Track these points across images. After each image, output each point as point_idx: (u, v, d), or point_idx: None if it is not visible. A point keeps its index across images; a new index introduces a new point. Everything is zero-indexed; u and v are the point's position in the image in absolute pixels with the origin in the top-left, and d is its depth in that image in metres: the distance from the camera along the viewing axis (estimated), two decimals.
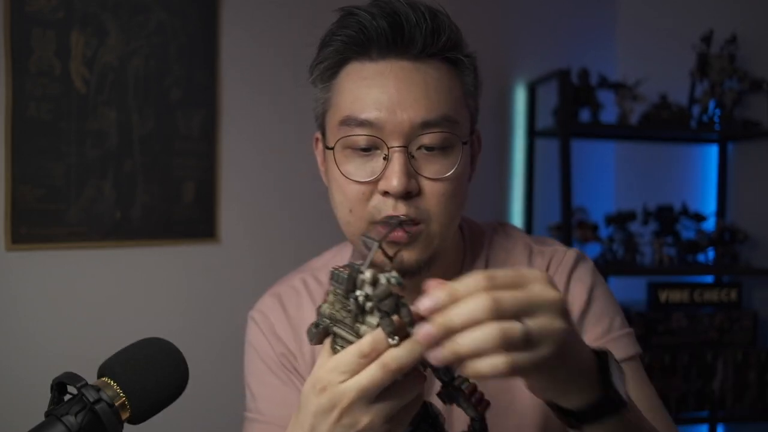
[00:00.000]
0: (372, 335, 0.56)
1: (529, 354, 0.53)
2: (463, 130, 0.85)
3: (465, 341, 0.53)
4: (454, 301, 0.53)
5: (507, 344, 0.52)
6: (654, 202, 2.65)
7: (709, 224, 2.68)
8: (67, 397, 0.63)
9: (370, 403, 0.57)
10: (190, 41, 2.11)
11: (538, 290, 0.54)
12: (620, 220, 2.57)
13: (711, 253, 2.62)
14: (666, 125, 2.53)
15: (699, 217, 2.64)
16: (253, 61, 2.21)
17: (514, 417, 0.89)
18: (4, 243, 1.90)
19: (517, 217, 2.68)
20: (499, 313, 0.51)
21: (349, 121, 0.82)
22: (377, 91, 0.81)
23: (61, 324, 1.98)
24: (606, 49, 2.81)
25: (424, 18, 0.81)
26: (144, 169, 2.07)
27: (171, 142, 2.10)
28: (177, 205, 2.12)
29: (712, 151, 2.81)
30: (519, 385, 0.89)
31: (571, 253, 0.94)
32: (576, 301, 0.90)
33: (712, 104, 2.58)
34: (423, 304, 0.54)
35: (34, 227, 1.93)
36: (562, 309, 0.54)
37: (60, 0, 1.94)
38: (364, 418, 0.58)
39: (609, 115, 2.59)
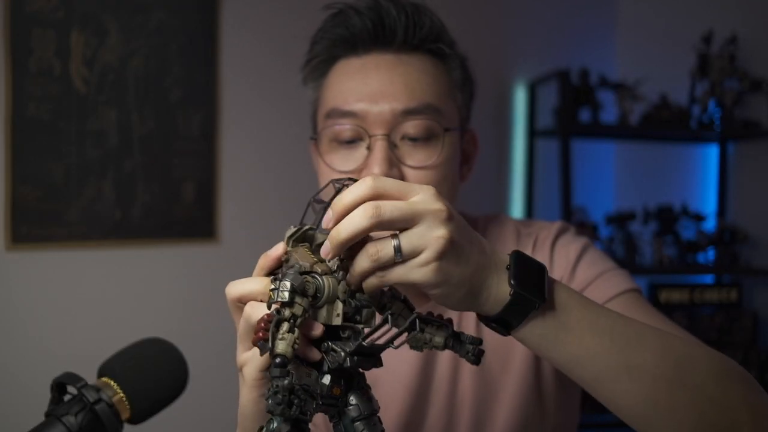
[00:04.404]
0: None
1: (409, 264, 0.53)
2: (448, 120, 0.86)
3: (352, 271, 0.54)
4: (345, 212, 0.54)
5: (381, 263, 0.53)
6: (654, 202, 2.64)
7: (709, 224, 2.67)
8: (67, 397, 0.63)
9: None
10: (190, 41, 2.11)
11: (420, 199, 0.53)
12: (620, 220, 2.57)
13: (711, 253, 2.62)
14: (666, 125, 2.53)
15: (699, 217, 2.64)
16: (253, 61, 2.21)
17: (511, 376, 0.89)
18: (4, 243, 1.90)
19: (517, 216, 2.68)
20: (380, 221, 0.51)
21: (333, 113, 0.84)
22: (360, 83, 0.83)
23: (61, 324, 1.98)
24: (606, 49, 2.80)
25: (404, 11, 0.84)
26: (144, 169, 2.07)
27: (171, 142, 2.10)
28: (177, 205, 2.12)
29: (712, 151, 2.81)
30: (516, 347, 0.89)
31: (555, 226, 0.95)
32: (562, 262, 0.90)
33: (712, 104, 2.58)
34: (324, 220, 0.55)
35: (34, 227, 1.93)
36: (444, 217, 0.53)
37: (60, 0, 1.94)
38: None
39: (609, 115, 2.59)
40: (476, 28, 2.51)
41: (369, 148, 0.82)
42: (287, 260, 0.57)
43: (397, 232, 0.53)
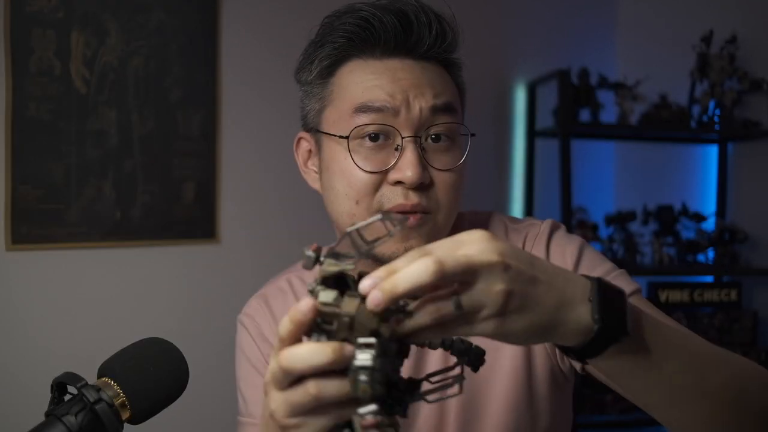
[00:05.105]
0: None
1: (472, 320, 0.51)
2: (462, 122, 0.87)
3: (407, 324, 0.51)
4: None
5: (442, 320, 0.51)
6: (654, 202, 2.65)
7: (709, 224, 2.68)
8: (67, 397, 0.63)
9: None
10: (190, 41, 2.11)
11: (476, 250, 0.51)
12: (620, 220, 2.57)
13: (711, 253, 2.62)
14: (666, 125, 2.53)
15: (699, 217, 2.64)
16: (253, 61, 2.21)
17: (500, 376, 0.88)
18: (4, 243, 1.90)
19: (517, 216, 2.68)
20: (443, 277, 0.49)
21: (364, 108, 0.82)
22: (389, 81, 0.83)
23: (61, 324, 1.98)
24: (606, 49, 2.81)
25: (435, 19, 0.84)
26: (144, 169, 2.07)
27: (171, 142, 2.10)
28: (177, 205, 2.12)
29: (712, 151, 2.81)
30: (505, 347, 0.88)
31: (545, 224, 0.94)
32: (559, 263, 0.88)
33: (712, 104, 2.58)
34: (363, 283, 0.51)
35: (34, 227, 1.93)
36: (501, 269, 0.51)
37: (60, 0, 1.94)
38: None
39: (609, 115, 2.59)
40: (476, 28, 2.51)
41: (398, 148, 0.82)
42: (342, 317, 0.51)
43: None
